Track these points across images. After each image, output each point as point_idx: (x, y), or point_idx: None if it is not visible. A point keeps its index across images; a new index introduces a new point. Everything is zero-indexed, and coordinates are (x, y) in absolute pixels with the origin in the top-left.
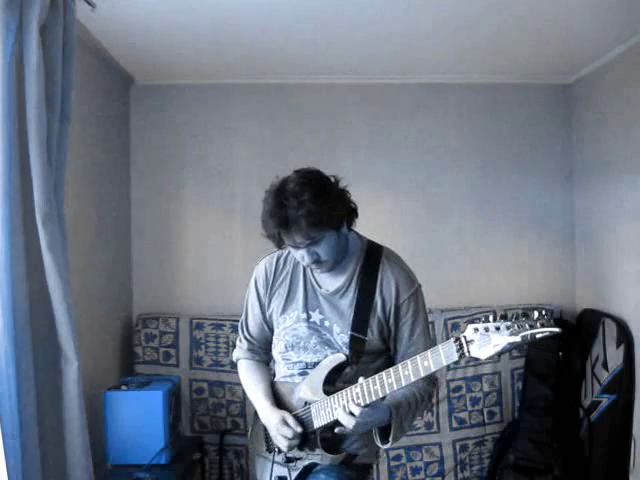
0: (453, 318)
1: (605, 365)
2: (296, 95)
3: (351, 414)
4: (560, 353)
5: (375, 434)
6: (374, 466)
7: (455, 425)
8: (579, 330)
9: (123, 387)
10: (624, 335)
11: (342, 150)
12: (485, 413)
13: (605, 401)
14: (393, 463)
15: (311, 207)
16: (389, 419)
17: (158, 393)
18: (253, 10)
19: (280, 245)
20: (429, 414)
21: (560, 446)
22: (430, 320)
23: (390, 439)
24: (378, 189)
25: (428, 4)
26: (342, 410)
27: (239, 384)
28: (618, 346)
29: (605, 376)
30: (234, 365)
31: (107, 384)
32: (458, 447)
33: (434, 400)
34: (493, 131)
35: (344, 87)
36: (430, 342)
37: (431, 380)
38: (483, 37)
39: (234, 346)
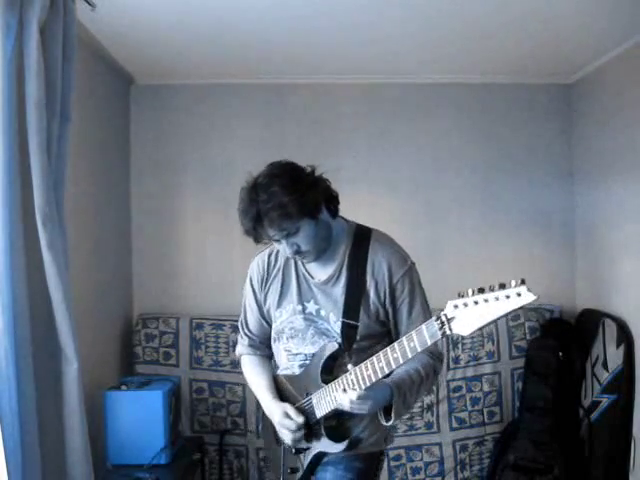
0: None
1: (605, 365)
2: (296, 95)
3: (350, 399)
4: (560, 353)
5: (380, 413)
6: (385, 452)
7: (455, 425)
8: (579, 330)
9: (123, 387)
10: (624, 335)
11: (342, 150)
12: (485, 413)
13: (605, 401)
14: (393, 463)
15: (281, 199)
16: (391, 397)
17: (158, 393)
18: (253, 10)
19: (258, 240)
20: (429, 414)
21: (560, 446)
22: None
23: (392, 415)
24: (377, 189)
25: (428, 4)
26: (342, 392)
27: (239, 384)
28: (618, 346)
29: (605, 376)
30: (234, 365)
31: (107, 384)
32: (458, 447)
33: (434, 400)
34: (493, 131)
35: (344, 87)
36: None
37: (435, 355)
38: (483, 37)
39: (234, 346)
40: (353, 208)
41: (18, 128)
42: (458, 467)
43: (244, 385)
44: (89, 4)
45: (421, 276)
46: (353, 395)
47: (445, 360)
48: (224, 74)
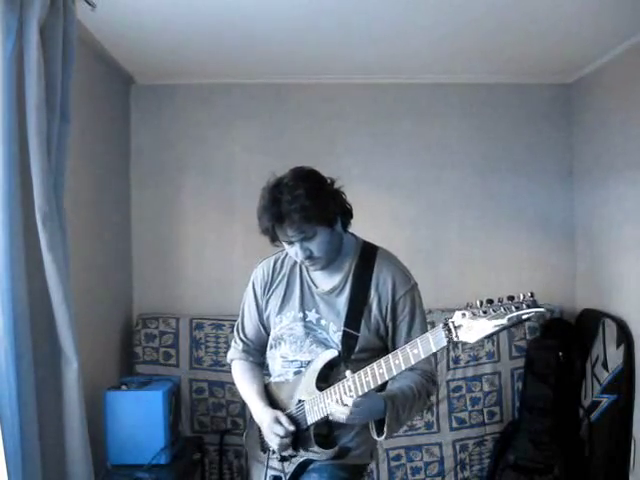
0: None
1: (605, 365)
2: (296, 95)
3: (345, 405)
4: (560, 353)
5: (371, 427)
6: (369, 468)
7: (455, 425)
8: (579, 330)
9: (123, 387)
10: (624, 335)
11: (342, 150)
12: (485, 413)
13: (605, 401)
14: (393, 463)
15: (305, 202)
16: (384, 410)
17: (158, 393)
18: (253, 10)
19: (274, 240)
20: (429, 414)
21: (560, 446)
22: (430, 320)
23: (385, 430)
24: (378, 189)
25: (428, 4)
26: (335, 403)
27: None
28: (618, 346)
29: (605, 376)
30: None
31: (107, 384)
32: (458, 447)
33: (434, 400)
34: (493, 131)
35: (344, 87)
36: None
37: (429, 377)
38: (483, 37)
39: None
40: (353, 208)
41: (18, 128)
42: (458, 467)
43: None
44: (89, 4)
45: (421, 276)
46: (349, 401)
47: (445, 360)
48: (224, 74)
